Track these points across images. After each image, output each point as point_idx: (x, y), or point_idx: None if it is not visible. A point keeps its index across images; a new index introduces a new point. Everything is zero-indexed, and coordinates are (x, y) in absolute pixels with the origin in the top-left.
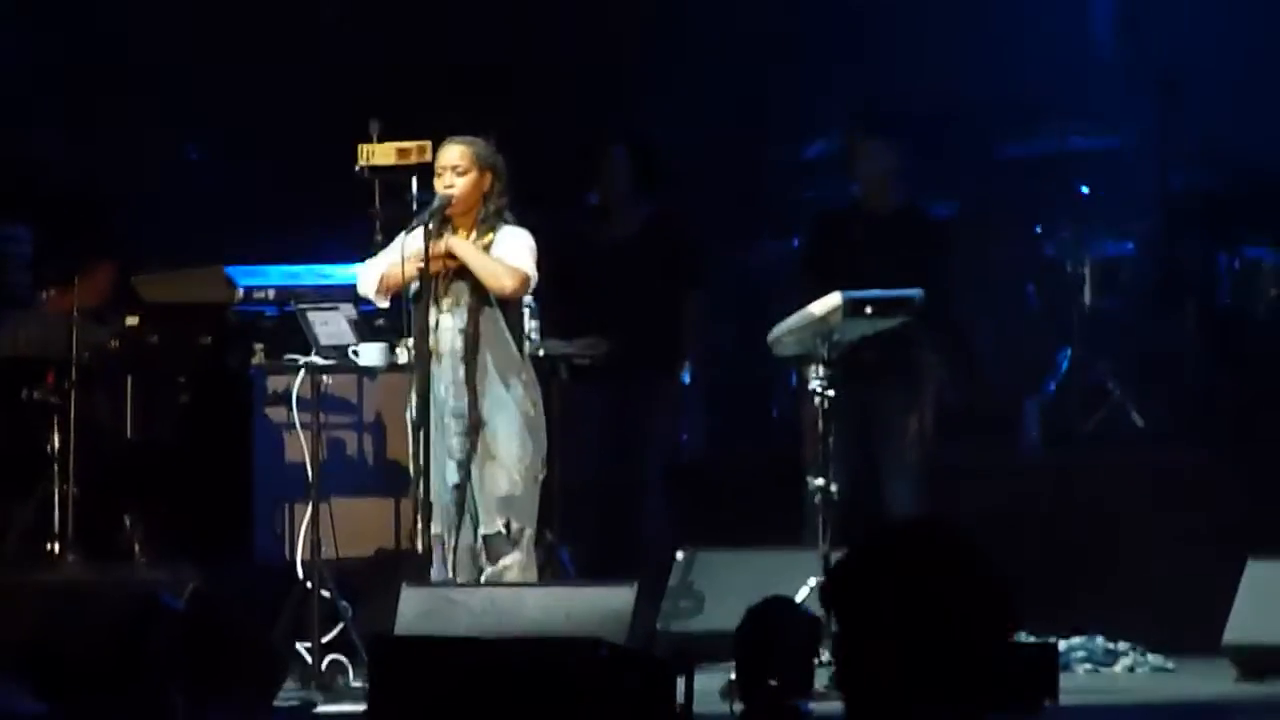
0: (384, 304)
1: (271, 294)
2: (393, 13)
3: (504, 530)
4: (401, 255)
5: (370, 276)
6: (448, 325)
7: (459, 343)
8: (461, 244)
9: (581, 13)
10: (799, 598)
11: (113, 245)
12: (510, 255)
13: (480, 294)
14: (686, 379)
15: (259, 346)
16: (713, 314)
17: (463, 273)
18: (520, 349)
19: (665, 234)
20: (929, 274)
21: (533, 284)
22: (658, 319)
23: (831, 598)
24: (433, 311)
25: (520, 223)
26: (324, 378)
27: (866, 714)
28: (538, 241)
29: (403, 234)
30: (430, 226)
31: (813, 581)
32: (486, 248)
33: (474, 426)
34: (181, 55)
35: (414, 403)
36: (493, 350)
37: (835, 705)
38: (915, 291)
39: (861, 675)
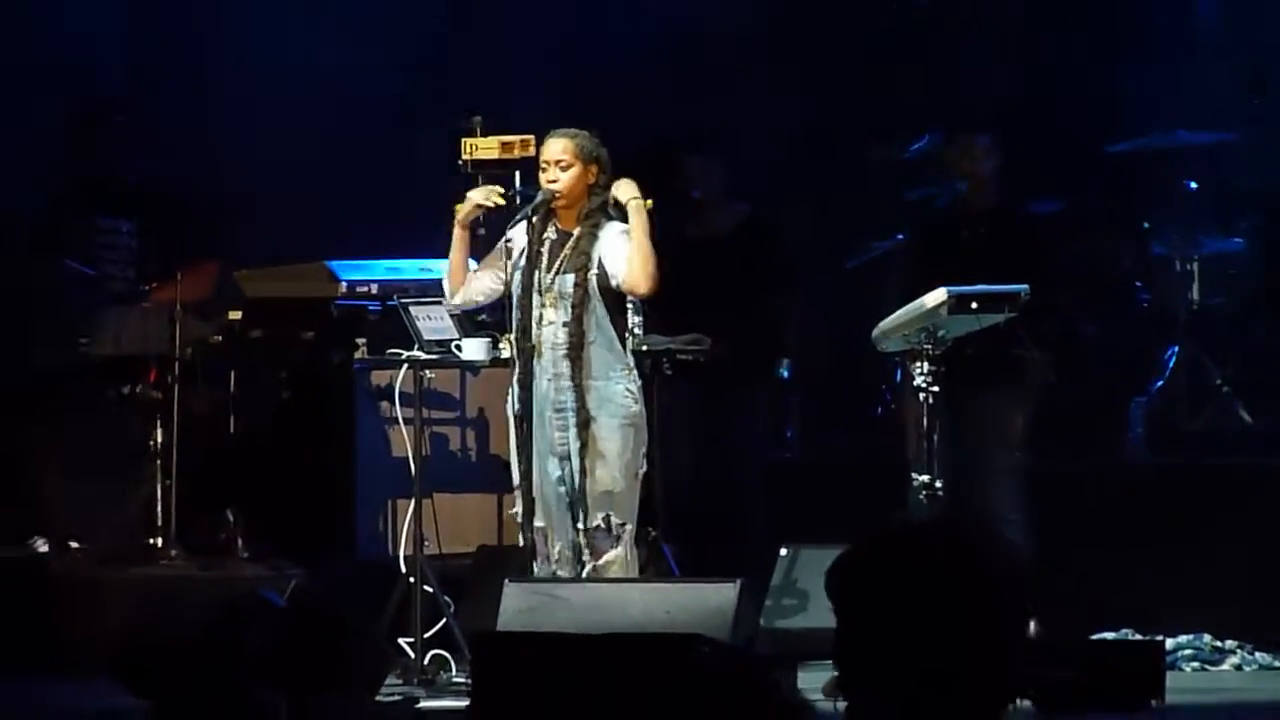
0: (458, 302)
1: (374, 289)
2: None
3: (605, 525)
4: (504, 255)
5: (453, 283)
6: (550, 319)
7: (561, 337)
8: (643, 218)
9: (683, 10)
10: None
11: (216, 240)
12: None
13: (583, 288)
14: (786, 374)
15: (361, 341)
16: (814, 312)
17: (566, 267)
18: (623, 344)
19: (758, 235)
20: (1033, 271)
21: None
22: (755, 317)
23: (835, 594)
24: (536, 306)
25: (619, 215)
26: (427, 373)
27: (868, 713)
28: None
29: (500, 243)
30: (533, 221)
31: None
32: (593, 239)
33: (577, 422)
34: (286, 50)
35: (516, 397)
36: (595, 345)
37: None
38: (1021, 287)
39: (864, 675)
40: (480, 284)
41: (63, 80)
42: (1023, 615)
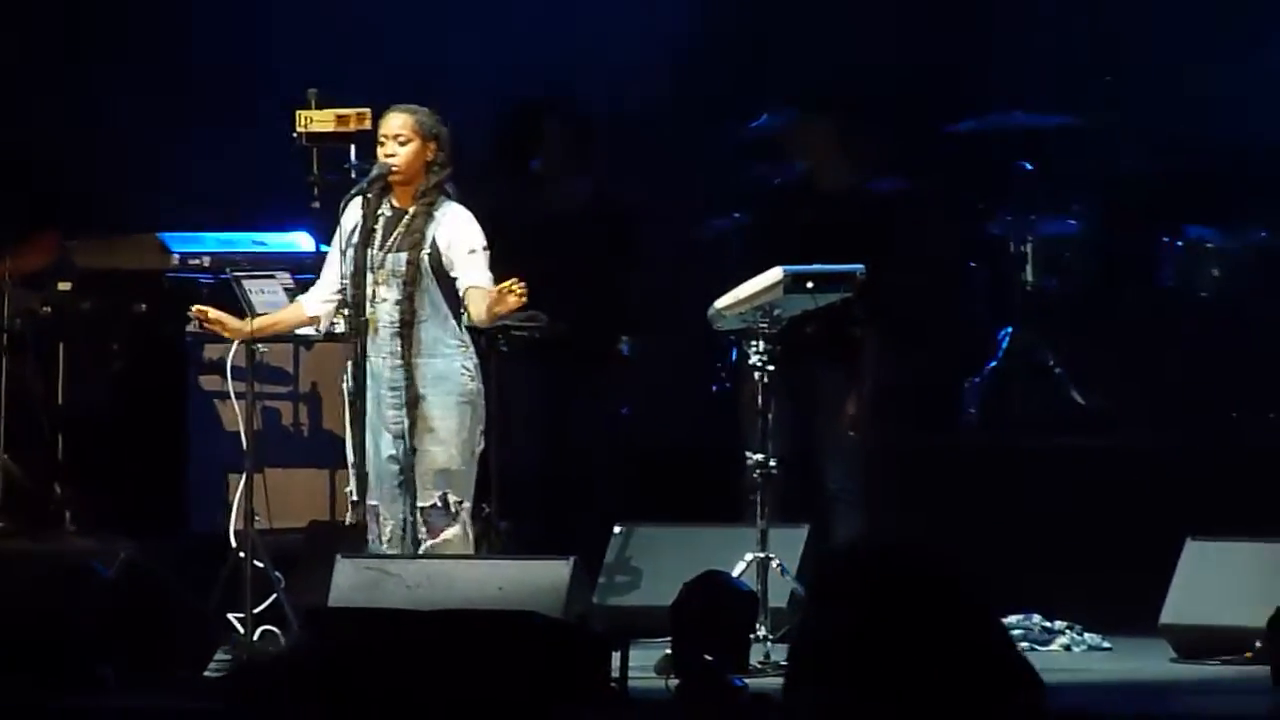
0: (324, 321)
1: (207, 261)
2: None
3: (441, 504)
4: (338, 243)
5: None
6: (384, 297)
7: (395, 315)
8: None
9: None
10: (735, 573)
11: (48, 211)
12: (467, 258)
13: (416, 266)
14: (626, 351)
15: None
16: (654, 290)
17: (399, 245)
18: (458, 321)
19: (604, 213)
20: (873, 252)
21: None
22: (596, 295)
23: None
24: (369, 283)
25: (457, 195)
26: (259, 347)
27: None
28: (475, 214)
29: (334, 243)
30: (368, 196)
31: (749, 557)
32: (428, 218)
33: (410, 399)
34: (122, 20)
35: (350, 374)
36: (429, 323)
37: (770, 681)
38: (856, 267)
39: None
40: (332, 291)
41: None
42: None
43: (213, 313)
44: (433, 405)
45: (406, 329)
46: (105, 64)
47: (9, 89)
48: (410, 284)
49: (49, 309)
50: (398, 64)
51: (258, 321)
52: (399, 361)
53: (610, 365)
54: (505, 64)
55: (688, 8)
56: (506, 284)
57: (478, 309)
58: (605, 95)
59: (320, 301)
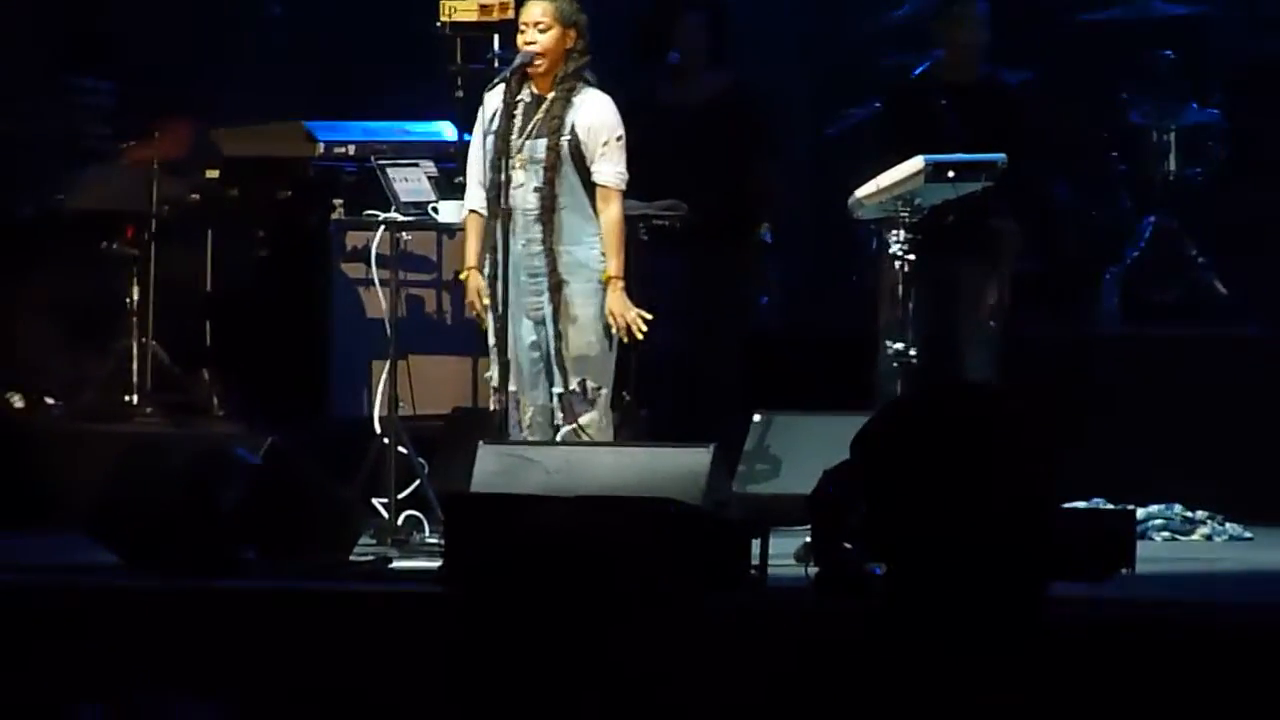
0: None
1: (352, 149)
2: None
3: (580, 389)
4: (480, 132)
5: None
6: (521, 182)
7: (532, 201)
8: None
9: None
10: None
11: (194, 99)
12: (602, 149)
13: (555, 152)
14: (768, 238)
15: (338, 202)
16: (790, 181)
17: (538, 131)
18: (596, 209)
19: (741, 104)
20: (1010, 143)
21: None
22: (735, 184)
23: (863, 460)
24: (508, 169)
25: (597, 81)
26: (403, 234)
27: (907, 580)
28: (616, 103)
29: (476, 133)
30: (511, 83)
31: None
32: (567, 104)
33: (551, 286)
34: None
35: (490, 261)
36: (568, 209)
37: None
38: (998, 156)
39: (894, 540)
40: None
41: None
42: (1050, 479)
43: (470, 300)
44: (573, 292)
45: (546, 215)
46: None
47: None
48: (550, 170)
49: (196, 196)
50: None
51: (471, 261)
52: (539, 248)
53: (750, 253)
54: None
55: None
56: (639, 318)
57: (605, 219)
58: None
59: (484, 198)
